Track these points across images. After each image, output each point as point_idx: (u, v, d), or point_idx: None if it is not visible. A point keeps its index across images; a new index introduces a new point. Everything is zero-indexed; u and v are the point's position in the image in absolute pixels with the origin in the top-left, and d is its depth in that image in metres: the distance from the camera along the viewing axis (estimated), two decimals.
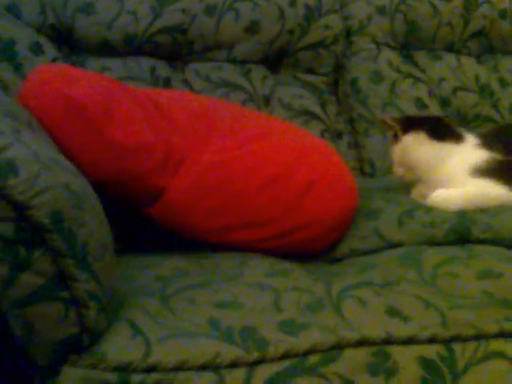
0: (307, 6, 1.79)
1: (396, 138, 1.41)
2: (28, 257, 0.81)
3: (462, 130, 1.42)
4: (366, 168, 1.79)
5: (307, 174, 1.26)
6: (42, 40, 1.62)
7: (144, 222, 1.25)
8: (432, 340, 0.93)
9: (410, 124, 1.39)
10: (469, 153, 1.37)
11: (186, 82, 1.73)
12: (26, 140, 0.89)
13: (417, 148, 1.38)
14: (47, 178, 0.84)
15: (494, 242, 1.25)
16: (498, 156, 1.35)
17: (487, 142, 1.38)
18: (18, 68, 1.56)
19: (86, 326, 0.85)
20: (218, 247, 1.22)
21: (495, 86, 1.94)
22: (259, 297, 0.99)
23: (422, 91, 1.85)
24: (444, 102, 1.87)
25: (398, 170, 1.42)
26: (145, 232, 1.28)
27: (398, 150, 1.39)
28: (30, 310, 0.82)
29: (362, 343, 0.90)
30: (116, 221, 1.20)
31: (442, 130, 1.38)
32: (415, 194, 1.42)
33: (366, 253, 1.26)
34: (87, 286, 0.85)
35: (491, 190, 1.33)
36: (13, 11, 1.62)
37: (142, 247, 1.26)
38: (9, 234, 0.80)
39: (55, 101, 1.21)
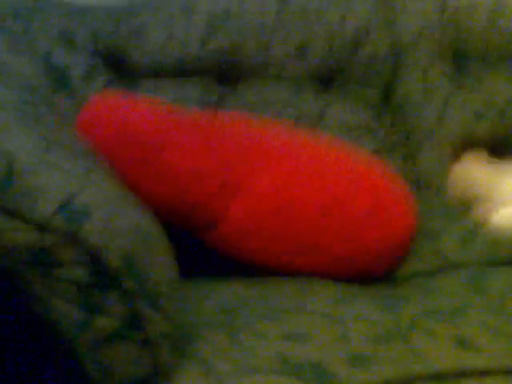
0: (357, 23, 1.78)
1: (456, 156, 1.39)
2: (102, 300, 0.82)
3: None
4: (421, 181, 1.77)
5: (366, 197, 1.25)
6: (96, 64, 1.64)
7: (198, 247, 1.25)
8: (507, 371, 0.91)
9: (472, 144, 1.37)
10: None
11: (237, 102, 1.73)
12: (97, 181, 0.90)
13: (478, 167, 1.36)
14: (120, 220, 0.85)
15: None
16: None
17: None
18: (73, 94, 1.58)
19: (159, 366, 0.86)
20: (277, 273, 1.22)
21: None
22: (327, 328, 0.99)
23: (476, 103, 1.82)
24: (499, 114, 1.84)
25: (456, 191, 1.40)
26: (200, 257, 1.28)
27: (458, 171, 1.37)
28: (105, 352, 0.83)
29: (435, 377, 0.89)
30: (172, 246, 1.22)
31: (503, 149, 1.36)
32: (476, 212, 1.40)
33: (428, 274, 1.25)
34: (160, 327, 0.86)
35: None
36: (65, 38, 1.64)
37: (196, 272, 1.26)
38: (84, 278, 0.81)
39: (113, 131, 1.23)
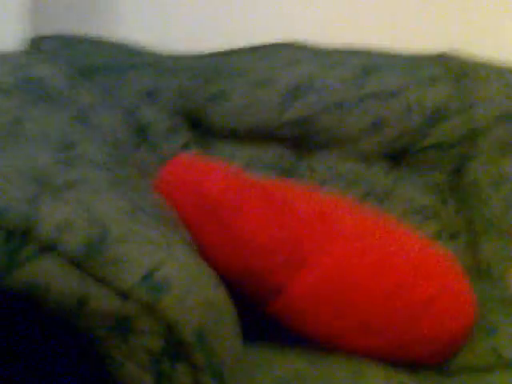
0: (433, 107, 1.82)
1: None
2: (171, 370, 0.86)
3: None
4: (482, 270, 1.78)
5: (429, 287, 1.27)
6: (174, 125, 1.71)
7: (261, 315, 1.29)
8: None
9: None
10: None
11: (309, 173, 1.77)
12: (178, 253, 0.95)
13: None
14: (196, 295, 0.89)
15: None
16: None
17: None
18: (150, 151, 1.65)
19: None
20: (333, 349, 1.24)
21: None
22: None
23: None
24: None
25: None
26: (262, 325, 1.31)
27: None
28: None
29: None
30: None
31: None
32: None
33: (480, 370, 1.26)
34: None
35: None
36: (151, 96, 1.71)
37: (257, 340, 1.29)
38: (157, 348, 0.85)
39: (190, 195, 1.28)
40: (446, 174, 1.85)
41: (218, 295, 0.95)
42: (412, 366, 1.25)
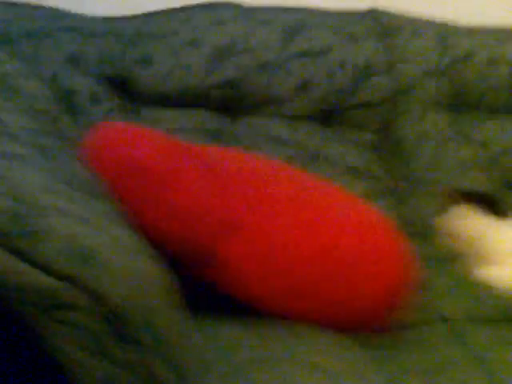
0: (356, 67, 1.82)
1: (448, 208, 1.43)
2: (104, 344, 0.83)
3: (507, 208, 1.44)
4: (410, 228, 1.80)
5: (359, 245, 1.28)
6: (100, 90, 1.66)
7: (199, 283, 1.27)
8: None
9: (466, 196, 1.41)
10: None
11: (235, 136, 1.76)
12: (103, 224, 0.92)
13: (466, 221, 1.40)
14: (123, 265, 0.86)
15: None
16: None
17: None
18: (76, 118, 1.61)
19: None
20: (271, 314, 1.24)
21: None
22: (314, 380, 1.01)
23: (467, 154, 1.87)
24: (489, 166, 1.88)
25: (446, 240, 1.44)
26: (200, 293, 1.30)
27: (450, 221, 1.41)
28: None
29: None
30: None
31: (493, 206, 1.40)
32: (463, 266, 1.44)
33: (416, 326, 1.28)
34: (161, 373, 0.88)
35: None
36: (73, 62, 1.66)
37: (197, 308, 1.27)
38: (86, 323, 0.82)
39: (119, 163, 1.24)
40: (373, 133, 1.86)
41: (149, 265, 0.92)
42: (351, 327, 1.26)
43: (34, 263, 0.81)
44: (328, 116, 1.84)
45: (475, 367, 1.09)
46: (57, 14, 1.73)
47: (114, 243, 0.91)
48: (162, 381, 0.88)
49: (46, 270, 0.81)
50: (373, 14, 1.88)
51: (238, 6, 1.82)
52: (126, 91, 1.71)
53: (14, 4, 1.73)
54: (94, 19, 1.74)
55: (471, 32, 1.96)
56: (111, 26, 1.73)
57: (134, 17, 1.77)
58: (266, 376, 1.01)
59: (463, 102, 1.93)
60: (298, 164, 1.76)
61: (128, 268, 0.88)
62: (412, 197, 1.82)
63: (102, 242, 0.89)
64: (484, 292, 1.32)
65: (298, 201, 1.35)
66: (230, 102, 1.77)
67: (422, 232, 1.76)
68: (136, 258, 0.92)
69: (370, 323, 1.28)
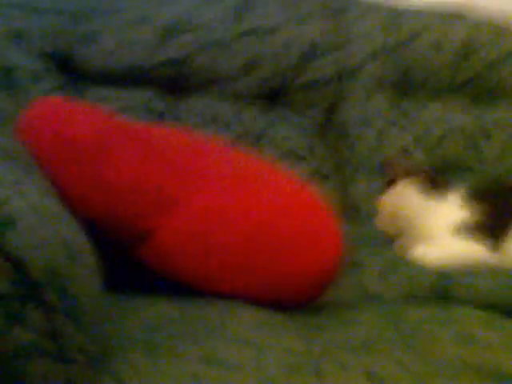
0: (303, 48, 1.82)
1: (389, 184, 1.43)
2: (21, 311, 0.82)
3: (446, 186, 1.45)
4: (350, 212, 1.81)
5: (291, 224, 1.28)
6: (42, 68, 1.64)
7: (132, 262, 1.26)
8: None
9: (408, 171, 1.41)
10: (451, 210, 1.40)
11: (179, 117, 1.75)
12: (26, 191, 0.91)
13: (409, 196, 1.40)
14: (45, 233, 0.86)
15: (473, 302, 1.28)
16: (478, 215, 1.38)
17: (470, 200, 1.41)
18: (16, 96, 1.58)
19: (73, 382, 0.87)
20: (204, 293, 1.24)
21: (480, 136, 1.97)
22: (242, 353, 1.01)
23: (408, 139, 1.88)
24: (429, 151, 1.90)
25: (384, 220, 1.45)
26: (133, 271, 1.29)
27: (390, 197, 1.41)
28: (20, 363, 0.83)
29: None
30: (104, 259, 1.23)
31: (433, 183, 1.41)
32: (398, 246, 1.45)
33: (348, 305, 1.29)
34: (76, 341, 0.87)
35: (471, 249, 1.36)
36: (14, 38, 1.64)
37: (129, 286, 1.27)
38: (3, 289, 0.81)
39: (51, 138, 1.23)
40: (315, 117, 1.87)
41: (72, 234, 0.91)
42: (286, 306, 1.26)
43: None
44: (274, 97, 1.84)
45: (406, 344, 1.09)
46: None
47: (38, 209, 0.89)
48: (78, 349, 0.87)
49: None
50: None
51: None
52: (70, 69, 1.69)
53: None
54: None
55: (417, 14, 1.97)
56: (55, 3, 1.71)
57: None
58: (191, 350, 1.00)
59: (408, 84, 1.94)
60: (242, 145, 1.76)
61: (52, 235, 0.87)
62: (355, 180, 1.83)
63: (27, 207, 0.88)
64: (418, 271, 1.33)
65: (234, 178, 1.34)
66: (175, 81, 1.76)
67: (361, 214, 1.78)
68: (58, 225, 0.90)
69: (303, 301, 1.28)
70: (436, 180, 1.46)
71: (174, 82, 1.75)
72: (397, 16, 1.95)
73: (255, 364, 0.99)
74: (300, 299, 1.28)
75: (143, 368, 0.94)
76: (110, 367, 0.93)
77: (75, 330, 0.87)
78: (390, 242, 1.47)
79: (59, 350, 0.86)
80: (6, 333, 0.82)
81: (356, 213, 1.80)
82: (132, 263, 1.25)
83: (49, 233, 0.86)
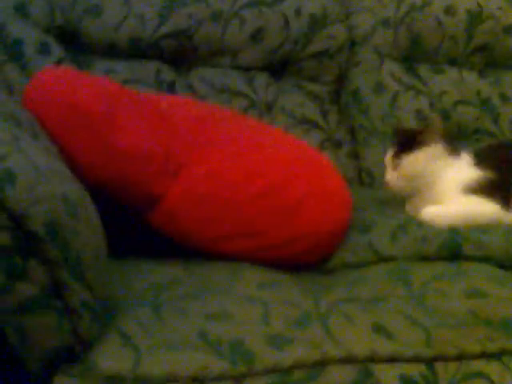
0: (312, 16, 1.81)
1: (406, 148, 1.41)
2: (23, 266, 0.83)
3: (456, 146, 1.44)
4: (364, 178, 1.81)
5: (301, 186, 1.28)
6: (49, 40, 1.64)
7: (141, 227, 1.27)
8: (415, 359, 0.95)
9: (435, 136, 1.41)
10: (461, 170, 1.39)
11: (189, 87, 1.75)
12: (25, 148, 0.92)
13: (433, 159, 1.39)
14: (44, 188, 0.86)
15: (484, 259, 1.27)
16: (489, 174, 1.37)
17: (480, 159, 1.40)
18: (24, 68, 1.59)
19: (78, 336, 0.88)
20: (212, 256, 1.24)
21: (496, 100, 1.95)
22: (249, 310, 1.01)
23: (422, 104, 1.87)
24: (445, 116, 1.88)
25: (397, 181, 1.42)
26: (141, 237, 1.30)
27: (417, 159, 1.39)
28: (24, 318, 0.85)
29: (346, 360, 0.93)
30: (113, 225, 1.24)
31: (450, 145, 1.40)
32: (410, 207, 1.44)
33: (358, 266, 1.28)
34: (81, 296, 0.88)
35: (481, 208, 1.35)
36: (21, 11, 1.64)
37: (137, 252, 1.28)
38: (5, 243, 0.82)
39: (58, 106, 1.24)
40: (327, 85, 1.86)
41: (72, 190, 0.92)
42: (293, 266, 1.26)
43: None
44: (283, 66, 1.82)
45: (416, 300, 1.09)
46: None
47: (37, 166, 0.90)
48: (82, 304, 0.88)
49: None
50: None
51: None
52: (76, 42, 1.69)
53: None
54: None
55: None
56: None
57: None
58: (198, 307, 1.01)
59: (421, 50, 1.92)
60: (252, 115, 1.76)
61: (51, 190, 0.88)
62: (368, 146, 1.82)
63: (26, 163, 0.89)
64: (429, 231, 1.32)
65: (242, 144, 1.34)
66: (183, 53, 1.75)
67: (375, 179, 1.77)
68: (57, 182, 0.91)
69: (313, 261, 1.28)
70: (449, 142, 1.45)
71: (181, 54, 1.75)
72: None
73: (262, 319, 0.99)
74: (309, 259, 1.28)
75: (149, 325, 0.95)
76: (116, 323, 0.95)
77: (79, 286, 0.87)
78: (401, 203, 1.46)
79: (64, 304, 0.86)
80: (8, 287, 0.83)
81: (370, 178, 1.79)
82: (142, 228, 1.26)
83: (48, 188, 0.87)
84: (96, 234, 0.94)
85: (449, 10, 1.93)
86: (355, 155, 1.83)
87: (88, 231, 0.91)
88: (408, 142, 1.41)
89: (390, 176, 1.41)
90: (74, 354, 0.88)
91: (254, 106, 1.76)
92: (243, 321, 0.98)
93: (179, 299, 1.04)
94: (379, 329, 0.99)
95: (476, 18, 1.95)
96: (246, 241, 1.25)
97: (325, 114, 1.83)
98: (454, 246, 1.29)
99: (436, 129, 1.39)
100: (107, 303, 0.95)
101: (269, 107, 1.79)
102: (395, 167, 1.41)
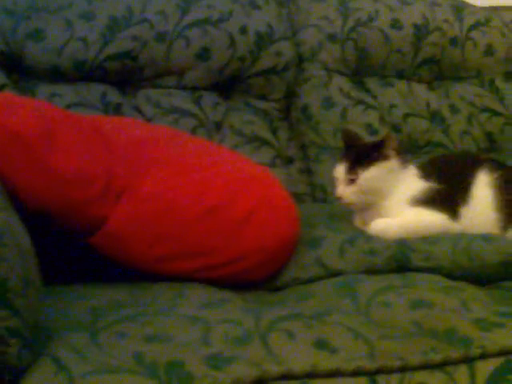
0: (258, 33, 1.80)
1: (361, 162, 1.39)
2: None
3: (406, 159, 1.43)
4: (317, 194, 1.80)
5: (247, 203, 1.27)
6: None
7: (84, 251, 1.25)
8: (357, 373, 0.93)
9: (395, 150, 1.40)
10: (408, 182, 1.39)
11: (136, 109, 1.73)
12: None
13: (390, 173, 1.38)
14: None
15: (433, 270, 1.27)
16: (435, 185, 1.36)
17: (424, 171, 1.40)
18: None
19: (6, 364, 0.85)
20: (157, 278, 1.22)
21: (446, 112, 1.96)
22: (189, 330, 1.00)
23: (372, 117, 1.87)
24: (395, 128, 1.89)
25: (351, 195, 1.40)
26: (87, 261, 1.27)
27: (374, 173, 1.37)
28: None
29: (285, 377, 0.91)
30: (56, 249, 1.22)
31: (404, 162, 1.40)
32: (358, 221, 1.43)
33: (307, 281, 1.27)
34: (8, 324, 0.85)
35: (429, 219, 1.35)
36: None
37: (83, 276, 1.26)
38: None
39: None
40: (276, 101, 1.85)
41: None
42: (241, 284, 1.25)
43: None
44: (231, 85, 1.82)
45: (361, 313, 1.08)
46: None
47: None
48: (11, 332, 0.85)
49: None
50: None
51: None
52: (19, 67, 1.67)
53: None
54: None
55: None
56: (2, 1, 1.68)
57: None
58: (137, 330, 0.99)
59: (369, 64, 1.93)
60: (201, 134, 1.74)
61: None
62: (320, 161, 1.82)
63: None
64: (378, 244, 1.31)
65: (187, 163, 1.33)
66: (128, 74, 1.74)
67: (327, 194, 1.76)
68: None
69: (259, 279, 1.27)
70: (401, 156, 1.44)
71: (126, 76, 1.73)
72: None
73: (202, 339, 0.97)
74: (256, 276, 1.27)
75: (84, 349, 0.93)
76: (50, 350, 0.92)
77: (6, 313, 0.85)
78: (350, 218, 1.45)
79: None
80: None
81: (323, 193, 1.78)
82: (87, 251, 1.23)
83: None
84: (25, 260, 0.92)
85: (395, 24, 1.94)
86: (307, 171, 1.83)
87: (15, 257, 0.89)
88: (362, 155, 1.39)
89: (343, 190, 1.39)
90: (3, 382, 0.85)
91: (203, 125, 1.75)
92: (182, 341, 0.96)
93: (118, 322, 1.01)
94: (321, 344, 0.97)
95: (422, 30, 1.96)
96: (191, 260, 1.24)
97: (275, 131, 1.82)
98: (402, 258, 1.29)
99: (394, 143, 1.39)
100: (41, 329, 0.93)
101: (218, 126, 1.78)
102: (349, 181, 1.39)
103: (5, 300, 0.85)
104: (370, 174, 1.37)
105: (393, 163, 1.39)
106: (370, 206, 1.40)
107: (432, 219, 1.35)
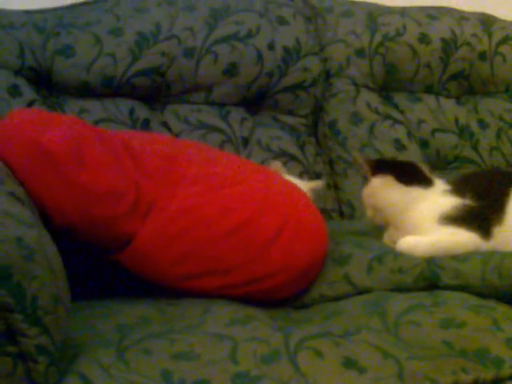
0: (286, 48, 1.80)
1: (366, 179, 1.41)
2: None
3: (431, 176, 1.42)
4: (344, 209, 1.79)
5: (275, 220, 1.26)
6: (20, 82, 1.63)
7: (113, 266, 1.25)
8: None
9: (380, 166, 1.39)
10: (437, 199, 1.37)
11: (164, 124, 1.74)
12: None
13: (384, 191, 1.38)
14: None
15: (462, 288, 1.25)
16: (465, 202, 1.35)
17: (455, 188, 1.38)
18: None
19: (34, 381, 0.85)
20: (185, 294, 1.22)
21: (475, 127, 1.95)
22: (216, 347, 0.99)
23: (400, 133, 1.86)
24: (423, 144, 1.88)
25: (369, 212, 1.42)
26: (113, 277, 1.28)
27: (367, 192, 1.40)
28: None
29: None
30: (84, 265, 1.22)
31: (411, 175, 1.38)
32: (387, 238, 1.42)
33: (335, 299, 1.26)
34: (37, 341, 0.85)
35: (459, 238, 1.33)
36: None
37: (109, 292, 1.26)
38: None
39: (25, 147, 1.22)
40: (304, 117, 1.85)
41: (28, 234, 0.90)
42: (268, 302, 1.24)
43: None
44: (258, 100, 1.82)
45: (390, 333, 1.06)
46: None
47: None
48: (40, 350, 0.85)
49: None
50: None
51: None
52: (49, 83, 1.69)
53: None
54: (13, 12, 1.71)
55: (401, 10, 1.95)
56: (31, 18, 1.70)
57: (55, 9, 1.75)
58: (165, 347, 0.99)
59: (396, 81, 1.92)
60: (228, 150, 1.74)
61: (6, 235, 0.87)
62: (347, 176, 1.81)
63: None
64: (406, 261, 1.30)
65: (214, 179, 1.33)
66: (156, 90, 1.75)
67: (355, 210, 1.75)
68: (12, 225, 0.89)
69: (286, 297, 1.26)
70: (419, 170, 1.42)
71: (154, 91, 1.74)
72: (380, 13, 1.93)
73: (230, 357, 0.97)
74: (283, 294, 1.26)
75: (112, 367, 0.93)
76: (78, 367, 0.92)
77: (35, 330, 0.85)
78: (379, 234, 1.44)
79: (18, 349, 0.84)
80: None
81: (350, 208, 1.77)
82: (114, 267, 1.24)
83: (2, 233, 0.85)
84: (56, 278, 0.92)
85: (423, 39, 1.93)
86: (335, 186, 1.82)
87: (46, 275, 0.89)
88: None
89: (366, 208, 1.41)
90: None
91: (230, 140, 1.75)
92: (210, 359, 0.96)
93: (145, 339, 1.01)
94: (350, 363, 0.96)
95: (450, 45, 1.95)
96: (218, 278, 1.23)
97: (302, 147, 1.82)
98: (431, 276, 1.27)
99: (360, 165, 1.39)
100: (68, 346, 0.93)
101: (245, 141, 1.78)
102: None
103: (35, 318, 0.85)
104: (364, 193, 1.41)
105: (380, 181, 1.37)
106: (391, 222, 1.39)
107: (464, 239, 1.33)
